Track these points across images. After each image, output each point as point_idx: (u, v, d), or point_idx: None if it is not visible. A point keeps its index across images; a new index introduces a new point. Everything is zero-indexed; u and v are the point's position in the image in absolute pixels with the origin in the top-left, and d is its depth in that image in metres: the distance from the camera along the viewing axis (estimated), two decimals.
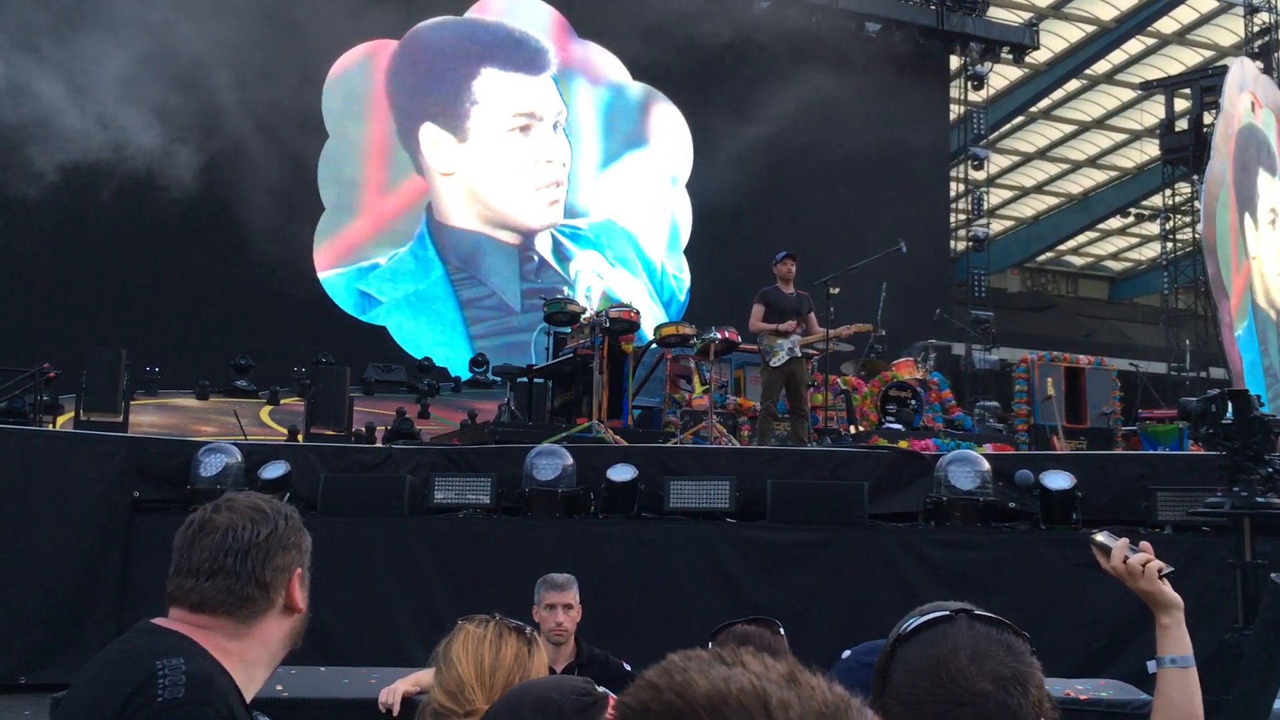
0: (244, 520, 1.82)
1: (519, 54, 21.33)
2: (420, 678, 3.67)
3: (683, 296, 22.15)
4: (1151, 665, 2.15)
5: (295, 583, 1.85)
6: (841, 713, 0.82)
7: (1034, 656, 1.28)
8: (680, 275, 22.33)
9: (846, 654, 1.93)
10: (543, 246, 21.29)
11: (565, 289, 19.56)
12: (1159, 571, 2.13)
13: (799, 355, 9.57)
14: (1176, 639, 2.10)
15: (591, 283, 20.93)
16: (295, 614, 1.86)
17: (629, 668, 4.43)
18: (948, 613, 1.30)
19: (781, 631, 2.75)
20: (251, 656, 1.80)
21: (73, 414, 10.43)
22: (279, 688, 4.18)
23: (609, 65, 22.22)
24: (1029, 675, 1.25)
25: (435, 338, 20.17)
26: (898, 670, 1.28)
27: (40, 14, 16.85)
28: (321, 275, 19.53)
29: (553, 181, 21.38)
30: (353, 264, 19.87)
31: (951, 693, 1.23)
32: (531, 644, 2.23)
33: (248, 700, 1.78)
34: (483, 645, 2.17)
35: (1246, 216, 19.49)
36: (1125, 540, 2.18)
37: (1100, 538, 2.22)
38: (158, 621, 1.80)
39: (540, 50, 21.54)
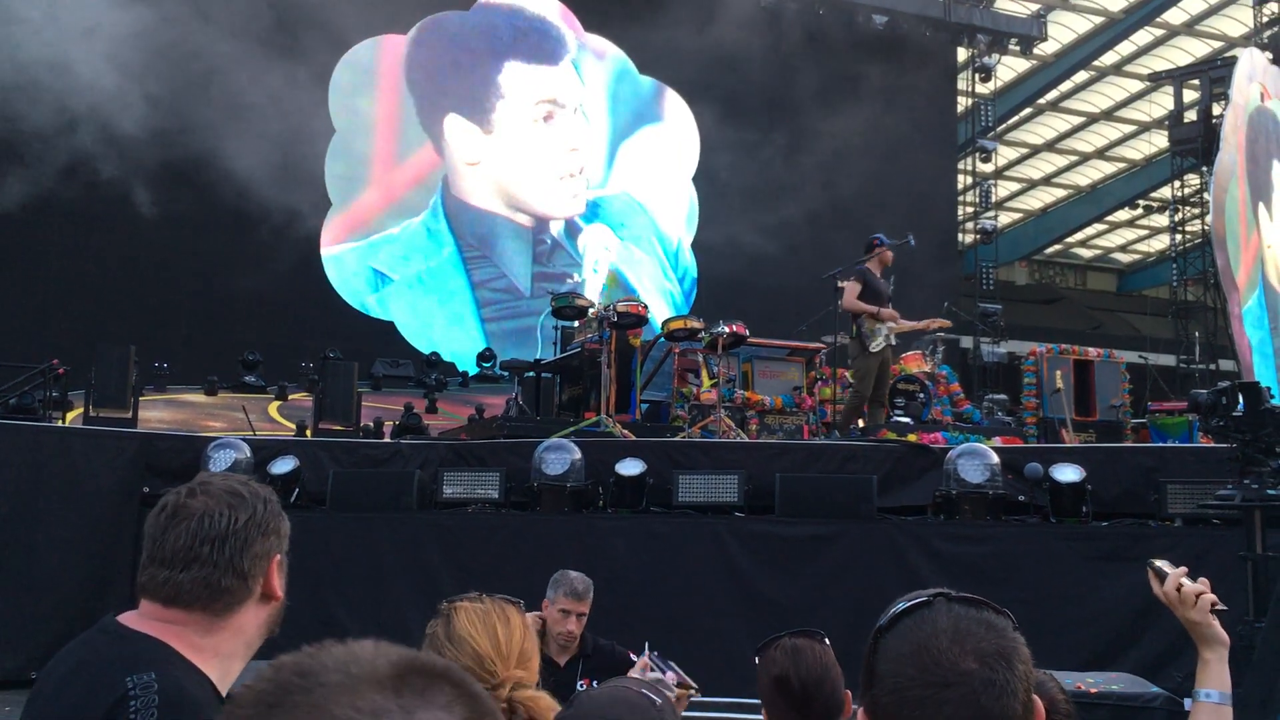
0: (220, 505, 1.71)
1: (542, 46, 21.33)
2: None
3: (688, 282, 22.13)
4: (1188, 703, 2.17)
5: (274, 570, 1.75)
6: None
7: (1017, 633, 1.26)
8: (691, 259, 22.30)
9: None
10: (555, 228, 21.26)
11: (575, 274, 19.52)
12: (1212, 606, 2.12)
13: (893, 343, 9.55)
14: (1217, 675, 2.10)
15: (600, 256, 20.84)
16: (273, 602, 1.76)
17: (635, 658, 4.43)
18: (925, 598, 1.29)
19: (826, 642, 2.74)
20: (226, 650, 1.70)
21: (82, 410, 10.42)
22: None
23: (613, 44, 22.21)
24: (1014, 650, 1.24)
25: (446, 318, 20.06)
26: (882, 661, 1.27)
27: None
28: (333, 250, 19.39)
29: (577, 169, 21.37)
30: (364, 237, 19.68)
31: (936, 675, 1.21)
32: (522, 614, 2.25)
33: (224, 694, 1.68)
34: (490, 618, 2.16)
35: (1260, 206, 19.38)
36: (1184, 569, 2.17)
37: (1158, 563, 2.21)
38: (125, 620, 1.68)
39: (559, 38, 21.54)
